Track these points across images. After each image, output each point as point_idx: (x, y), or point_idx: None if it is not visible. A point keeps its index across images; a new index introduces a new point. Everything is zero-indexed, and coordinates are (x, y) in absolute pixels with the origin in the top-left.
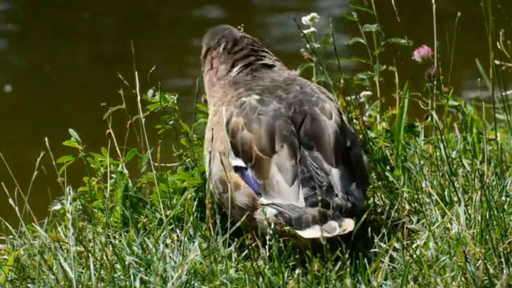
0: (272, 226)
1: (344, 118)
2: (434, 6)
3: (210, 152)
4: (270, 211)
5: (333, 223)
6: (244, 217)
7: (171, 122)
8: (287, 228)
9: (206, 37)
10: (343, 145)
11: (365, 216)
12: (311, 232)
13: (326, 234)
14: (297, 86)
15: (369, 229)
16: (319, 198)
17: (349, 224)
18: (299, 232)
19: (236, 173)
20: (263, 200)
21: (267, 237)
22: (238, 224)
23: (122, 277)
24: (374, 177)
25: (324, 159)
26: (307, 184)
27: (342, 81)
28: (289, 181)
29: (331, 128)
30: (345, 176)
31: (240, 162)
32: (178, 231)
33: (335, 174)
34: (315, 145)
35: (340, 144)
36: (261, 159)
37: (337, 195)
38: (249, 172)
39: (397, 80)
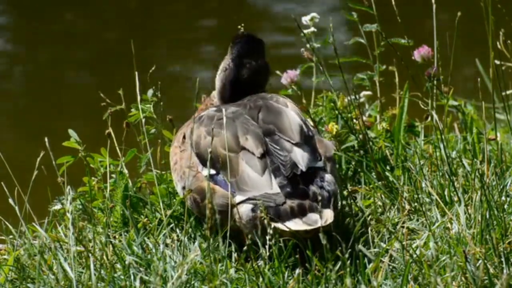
0: (250, 222)
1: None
2: (434, 6)
3: (181, 174)
4: (246, 207)
5: (314, 216)
6: (244, 220)
7: (153, 131)
8: (266, 221)
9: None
10: (303, 128)
11: (365, 216)
12: (292, 225)
13: (308, 227)
14: (253, 94)
15: (369, 229)
16: (295, 186)
17: (329, 215)
18: (280, 225)
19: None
20: (237, 198)
21: (267, 237)
22: (231, 227)
23: (122, 277)
24: (374, 177)
25: (284, 139)
26: (279, 174)
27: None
28: (259, 171)
29: (288, 111)
30: (308, 151)
31: (211, 170)
32: (178, 231)
33: (297, 150)
34: (275, 127)
35: (300, 124)
36: (229, 158)
37: (300, 170)
38: (221, 176)
39: (397, 80)
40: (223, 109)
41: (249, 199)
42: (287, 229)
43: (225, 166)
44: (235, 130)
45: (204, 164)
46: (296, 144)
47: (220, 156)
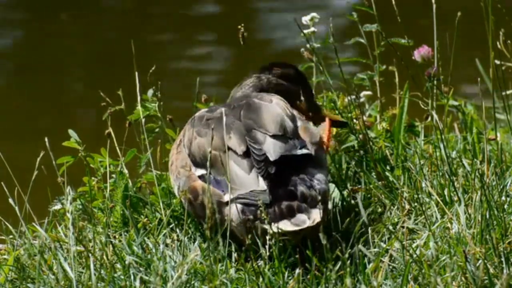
0: (240, 224)
1: (295, 113)
2: (434, 6)
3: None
4: (236, 209)
5: (302, 216)
6: (238, 220)
7: (156, 130)
8: (256, 223)
9: None
10: (285, 119)
11: (364, 217)
12: (282, 226)
13: (297, 228)
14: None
15: (369, 229)
16: (283, 186)
17: (317, 215)
18: (269, 226)
19: (201, 180)
20: (226, 196)
21: (267, 237)
22: (224, 228)
23: (122, 277)
24: (374, 177)
25: (261, 132)
26: (266, 176)
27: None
28: (246, 169)
29: (270, 105)
30: (284, 140)
31: (202, 171)
32: (178, 231)
33: (269, 141)
34: (255, 123)
35: (280, 116)
36: (217, 157)
37: (274, 168)
38: (212, 176)
39: (397, 80)
40: (213, 109)
41: (237, 197)
42: (277, 231)
43: (214, 164)
44: (221, 130)
45: (196, 164)
46: (272, 136)
47: (208, 155)
